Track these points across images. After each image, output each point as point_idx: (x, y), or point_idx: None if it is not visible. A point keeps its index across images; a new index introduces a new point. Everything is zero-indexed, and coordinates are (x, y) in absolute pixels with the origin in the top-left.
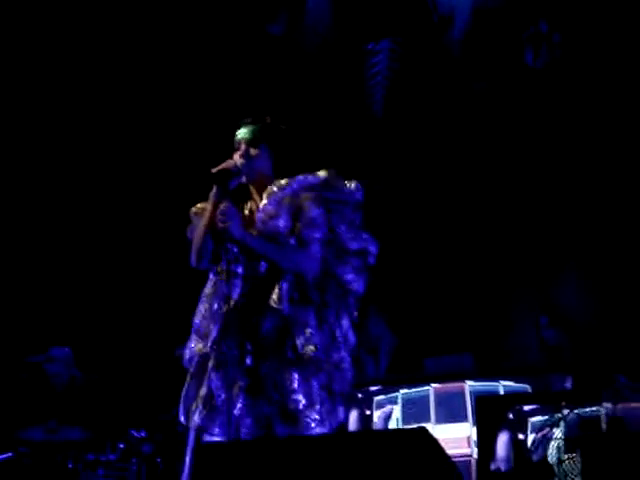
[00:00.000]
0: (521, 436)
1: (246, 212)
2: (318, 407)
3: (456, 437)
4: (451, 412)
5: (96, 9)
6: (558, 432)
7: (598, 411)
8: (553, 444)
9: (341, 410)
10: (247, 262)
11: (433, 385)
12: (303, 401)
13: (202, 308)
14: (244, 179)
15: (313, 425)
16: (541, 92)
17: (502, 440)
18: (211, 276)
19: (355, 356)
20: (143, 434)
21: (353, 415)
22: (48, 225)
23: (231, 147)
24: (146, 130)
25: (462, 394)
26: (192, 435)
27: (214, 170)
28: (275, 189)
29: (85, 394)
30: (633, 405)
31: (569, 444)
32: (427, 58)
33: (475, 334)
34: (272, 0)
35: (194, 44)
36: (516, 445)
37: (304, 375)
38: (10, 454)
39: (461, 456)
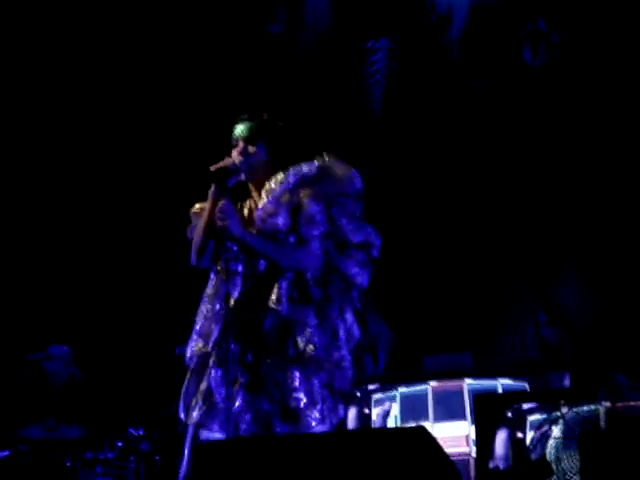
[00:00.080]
0: (520, 434)
1: (245, 210)
2: (319, 405)
3: (454, 435)
4: (449, 410)
5: (96, 7)
6: (557, 430)
7: (597, 409)
8: (551, 442)
9: (341, 408)
10: (247, 260)
11: (431, 383)
12: (304, 399)
13: (204, 309)
14: (242, 177)
15: (314, 424)
16: (539, 89)
17: (501, 438)
18: (212, 276)
19: (358, 353)
20: (141, 432)
21: (351, 413)
22: (48, 223)
23: (229, 145)
24: (144, 129)
25: (460, 392)
26: (191, 431)
27: (212, 168)
28: (273, 185)
29: (84, 392)
30: (632, 403)
31: (568, 442)
32: (425, 57)
33: (474, 332)
34: None
35: (192, 42)
36: (515, 443)
37: (305, 373)
38: (8, 452)
39: (459, 455)
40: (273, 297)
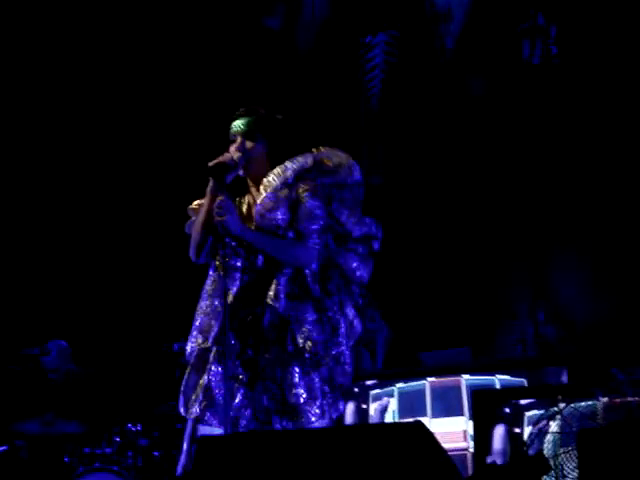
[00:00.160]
0: (517, 430)
1: (244, 205)
2: (319, 401)
3: (452, 431)
4: (447, 406)
5: (94, 3)
6: (554, 426)
7: (594, 405)
8: (549, 438)
9: (341, 403)
10: (245, 256)
11: (429, 379)
12: (304, 395)
13: (203, 304)
14: (241, 172)
15: (314, 419)
16: (536, 83)
17: (498, 434)
18: (211, 272)
19: (356, 348)
20: (139, 428)
21: (349, 408)
22: (46, 219)
23: (227, 140)
24: (142, 124)
25: (458, 388)
26: (190, 427)
27: (210, 164)
28: (271, 180)
29: (81, 387)
30: (629, 399)
31: (565, 438)
32: (423, 52)
33: (471, 328)
34: None
35: (189, 36)
36: (512, 439)
37: (305, 369)
38: (6, 447)
39: (457, 450)
40: (271, 293)
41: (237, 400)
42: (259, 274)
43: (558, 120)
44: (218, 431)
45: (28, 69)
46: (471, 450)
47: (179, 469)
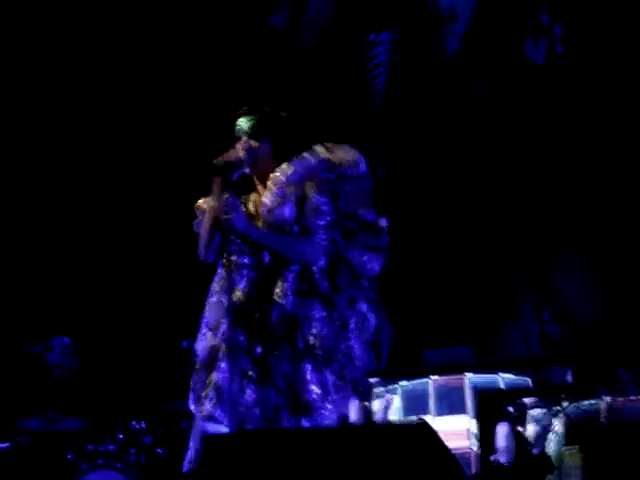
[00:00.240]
0: (521, 428)
1: (250, 203)
2: (331, 397)
3: (455, 429)
4: (450, 405)
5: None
6: (558, 424)
7: (598, 404)
8: (553, 436)
9: (352, 398)
10: (252, 253)
11: (432, 377)
12: (317, 391)
13: (212, 302)
14: (247, 170)
15: (326, 415)
16: (542, 82)
17: (502, 432)
18: (219, 270)
19: (371, 341)
20: (144, 425)
21: (353, 406)
22: (50, 216)
23: (232, 137)
24: (148, 122)
25: (461, 387)
26: (199, 423)
27: (216, 162)
28: (278, 174)
29: (85, 384)
30: (632, 398)
31: (569, 436)
32: (427, 50)
33: (475, 327)
34: None
35: (194, 33)
36: (516, 437)
37: (316, 365)
38: (8, 444)
39: (460, 448)
40: (278, 290)
41: (247, 397)
42: (266, 271)
43: (562, 119)
44: (226, 428)
45: (33, 69)
46: (474, 448)
47: (185, 465)
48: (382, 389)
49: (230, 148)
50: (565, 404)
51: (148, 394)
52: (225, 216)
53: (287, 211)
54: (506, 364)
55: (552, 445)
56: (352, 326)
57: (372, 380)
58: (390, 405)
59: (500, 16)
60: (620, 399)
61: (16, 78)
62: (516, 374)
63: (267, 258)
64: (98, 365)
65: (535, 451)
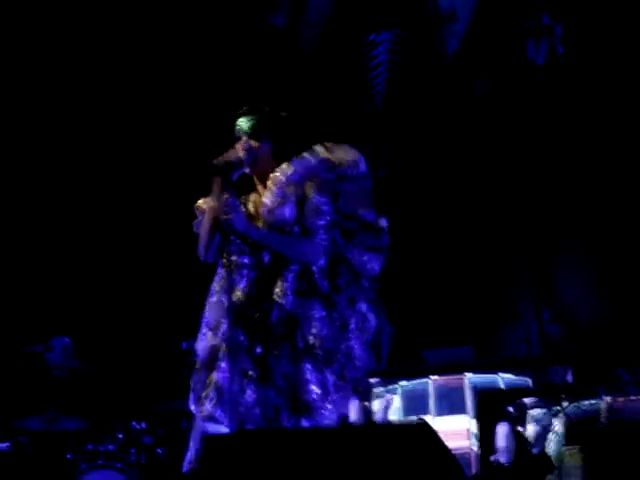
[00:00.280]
0: (521, 428)
1: (250, 203)
2: (331, 397)
3: (455, 429)
4: (450, 405)
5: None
6: (558, 424)
7: (598, 404)
8: (553, 436)
9: (352, 398)
10: (252, 253)
11: (432, 377)
12: (317, 391)
13: (212, 302)
14: (247, 170)
15: (327, 414)
16: (543, 82)
17: (502, 432)
18: (219, 270)
19: (371, 341)
20: (143, 425)
21: (353, 406)
22: (50, 215)
23: (232, 137)
24: (148, 122)
25: (461, 387)
26: (199, 424)
27: (216, 162)
28: (278, 174)
29: (85, 384)
30: (632, 398)
31: (569, 436)
32: (427, 51)
33: (475, 327)
34: None
35: (194, 33)
36: (516, 437)
37: (316, 365)
38: (8, 444)
39: (460, 449)
40: (277, 290)
41: (247, 397)
42: (266, 271)
43: (563, 120)
44: (226, 429)
45: (33, 69)
46: (474, 448)
47: (185, 465)
48: (382, 389)
49: (230, 148)
50: (565, 404)
51: (148, 394)
52: (225, 216)
53: (287, 211)
54: (506, 364)
55: (552, 445)
56: (352, 326)
57: (372, 380)
58: (390, 405)
59: (500, 16)
60: (620, 399)
61: (16, 78)
62: (516, 374)
63: (267, 258)
64: (98, 365)
65: (535, 451)
